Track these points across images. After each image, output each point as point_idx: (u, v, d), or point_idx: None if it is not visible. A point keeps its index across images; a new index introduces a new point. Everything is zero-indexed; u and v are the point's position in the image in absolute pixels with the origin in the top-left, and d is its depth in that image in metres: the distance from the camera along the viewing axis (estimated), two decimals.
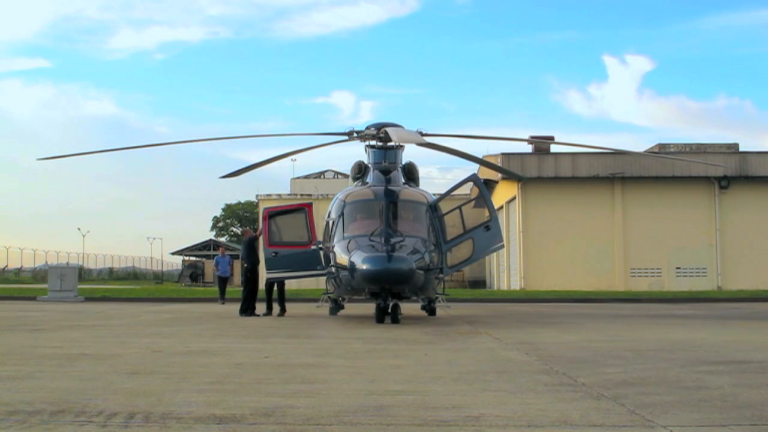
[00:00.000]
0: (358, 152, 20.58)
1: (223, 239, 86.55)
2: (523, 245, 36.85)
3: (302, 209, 17.36)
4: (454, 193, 17.77)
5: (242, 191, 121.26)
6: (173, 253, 76.90)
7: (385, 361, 8.18)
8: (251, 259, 18.16)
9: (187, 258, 74.47)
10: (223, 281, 26.78)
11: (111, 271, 78.77)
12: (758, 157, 37.15)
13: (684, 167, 35.31)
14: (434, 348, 9.73)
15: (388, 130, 15.81)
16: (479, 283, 46.83)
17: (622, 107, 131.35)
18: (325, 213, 16.90)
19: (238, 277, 56.52)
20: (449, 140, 18.62)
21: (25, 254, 67.05)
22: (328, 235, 16.01)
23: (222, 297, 25.80)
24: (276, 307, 17.95)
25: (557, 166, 36.99)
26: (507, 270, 40.72)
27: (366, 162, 17.61)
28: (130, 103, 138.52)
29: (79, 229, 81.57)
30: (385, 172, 16.76)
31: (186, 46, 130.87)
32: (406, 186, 16.70)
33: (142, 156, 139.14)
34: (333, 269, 15.39)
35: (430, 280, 14.98)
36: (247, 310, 17.59)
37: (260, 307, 18.19)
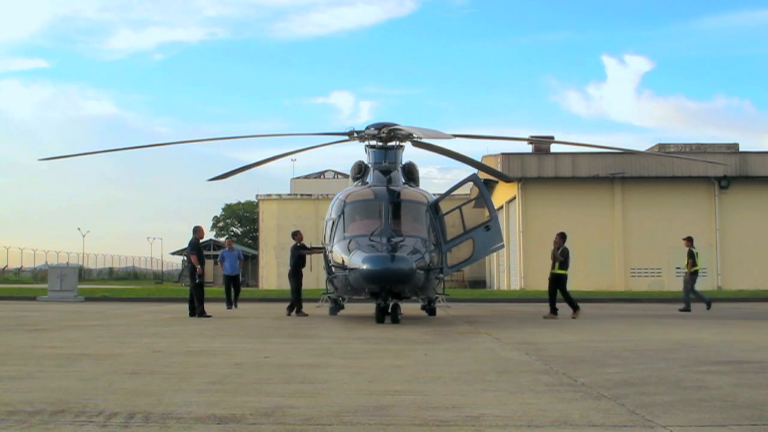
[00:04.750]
0: (358, 152, 20.56)
1: (223, 239, 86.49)
2: (523, 245, 36.84)
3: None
4: (454, 193, 17.77)
5: (242, 191, 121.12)
6: (173, 253, 76.92)
7: (385, 361, 8.18)
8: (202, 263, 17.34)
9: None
10: (232, 280, 21.08)
11: (111, 271, 78.80)
12: (758, 157, 37.15)
13: (684, 167, 35.31)
14: (434, 348, 9.73)
15: (414, 129, 15.73)
16: (479, 283, 46.83)
17: (621, 107, 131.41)
18: (325, 213, 16.90)
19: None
20: (447, 140, 18.54)
21: (25, 254, 67.05)
22: (329, 236, 16.00)
23: (229, 300, 20.72)
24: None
25: (557, 166, 36.99)
26: (507, 270, 40.71)
27: (366, 162, 17.61)
28: (129, 103, 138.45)
29: (79, 229, 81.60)
30: (385, 172, 16.77)
31: (184, 47, 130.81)
32: (406, 186, 16.69)
33: (141, 156, 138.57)
34: (333, 269, 15.40)
35: (430, 280, 14.97)
36: (194, 311, 16.95)
37: (260, 308, 18.17)
